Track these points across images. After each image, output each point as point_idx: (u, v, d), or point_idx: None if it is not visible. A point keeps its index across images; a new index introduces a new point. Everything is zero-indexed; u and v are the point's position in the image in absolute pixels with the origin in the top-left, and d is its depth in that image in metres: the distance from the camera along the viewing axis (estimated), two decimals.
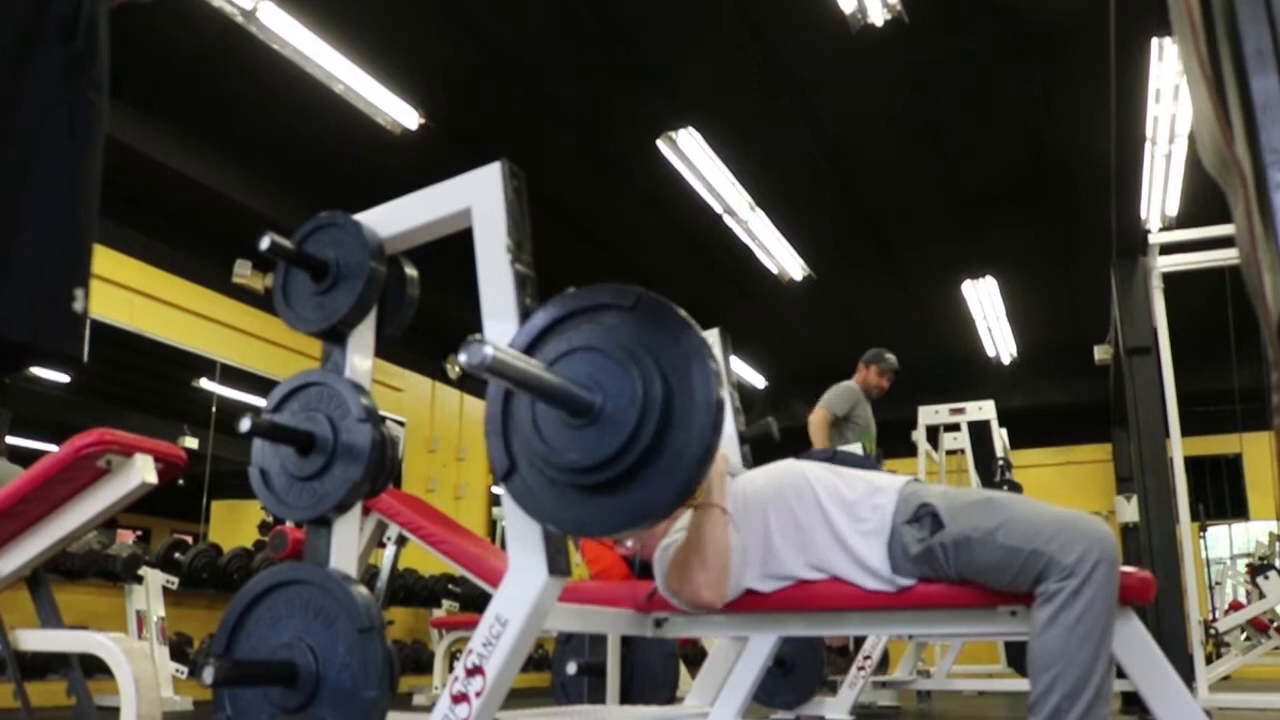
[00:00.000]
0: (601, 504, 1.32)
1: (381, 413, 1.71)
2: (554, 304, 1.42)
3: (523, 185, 1.67)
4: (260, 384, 6.58)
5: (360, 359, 1.77)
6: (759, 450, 2.80)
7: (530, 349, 1.41)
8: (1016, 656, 5.62)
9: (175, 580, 5.22)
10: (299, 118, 5.62)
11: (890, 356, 5.68)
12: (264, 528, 6.07)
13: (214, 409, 6.66)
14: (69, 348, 1.03)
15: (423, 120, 5.52)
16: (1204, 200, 6.20)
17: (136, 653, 2.27)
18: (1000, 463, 6.64)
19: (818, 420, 5.31)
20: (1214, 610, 8.12)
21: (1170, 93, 5.36)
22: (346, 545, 1.67)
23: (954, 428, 7.29)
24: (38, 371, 5.74)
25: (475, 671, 1.48)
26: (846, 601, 1.86)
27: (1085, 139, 5.95)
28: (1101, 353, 8.01)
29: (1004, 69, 5.51)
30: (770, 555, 1.92)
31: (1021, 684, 4.62)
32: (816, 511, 1.90)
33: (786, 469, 2.07)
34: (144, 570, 4.91)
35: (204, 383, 6.72)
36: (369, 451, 1.62)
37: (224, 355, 6.54)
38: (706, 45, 5.31)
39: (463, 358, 1.16)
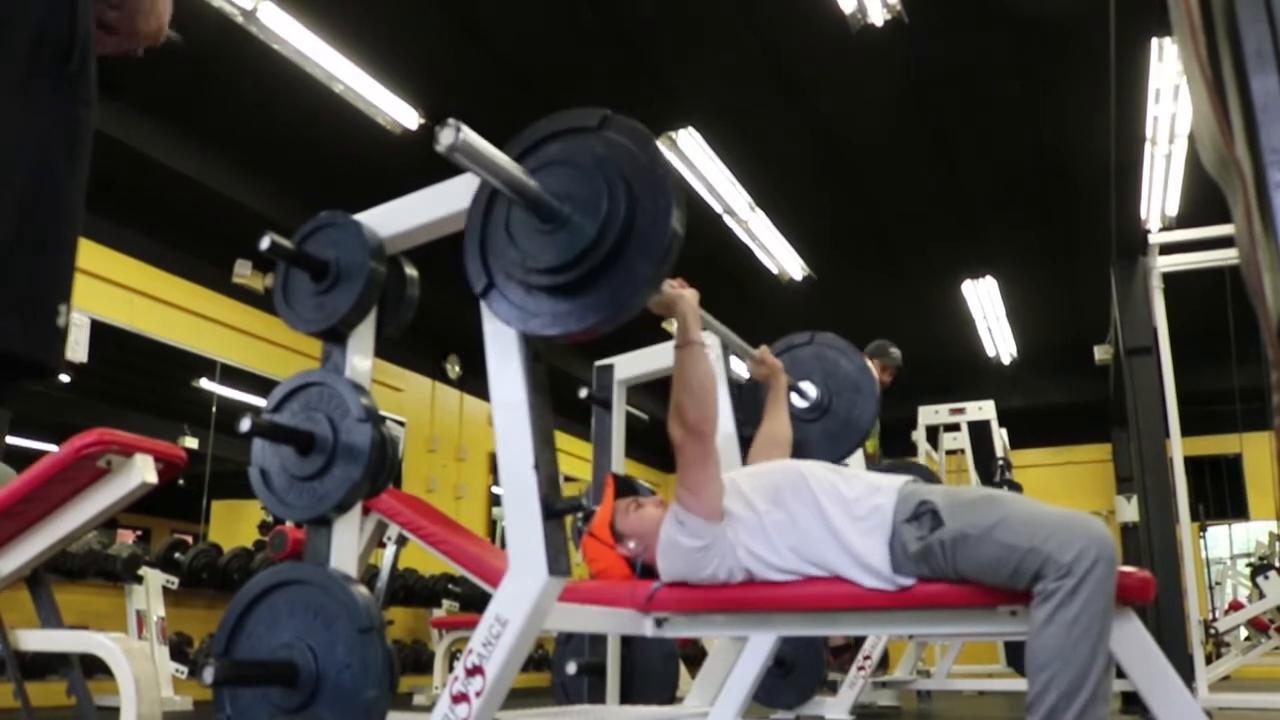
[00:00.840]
0: (573, 302, 1.41)
1: (381, 413, 1.71)
2: (526, 132, 1.52)
3: None
4: (260, 384, 6.58)
5: (360, 359, 1.77)
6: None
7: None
8: (1016, 656, 5.62)
9: (175, 580, 5.22)
10: (299, 118, 5.62)
11: (895, 351, 5.60)
12: (264, 528, 6.07)
13: (214, 409, 6.66)
14: (52, 359, 1.05)
15: (423, 120, 5.52)
16: (1204, 200, 6.20)
17: (136, 653, 2.27)
18: (1000, 463, 6.65)
19: None
20: (1214, 610, 8.11)
21: (1170, 93, 5.36)
22: (346, 545, 1.67)
23: (954, 428, 7.30)
24: None
25: (475, 671, 1.48)
26: (846, 601, 1.86)
27: (1085, 139, 5.95)
28: (1101, 353, 8.01)
29: (1004, 69, 5.50)
30: (770, 550, 1.92)
31: (1021, 684, 4.62)
32: (814, 510, 1.90)
33: (784, 467, 2.07)
34: (144, 570, 4.91)
35: (204, 383, 6.72)
36: (369, 451, 1.62)
37: (224, 355, 6.54)
38: (706, 45, 5.31)
39: (440, 137, 1.24)
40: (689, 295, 2.04)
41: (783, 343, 3.08)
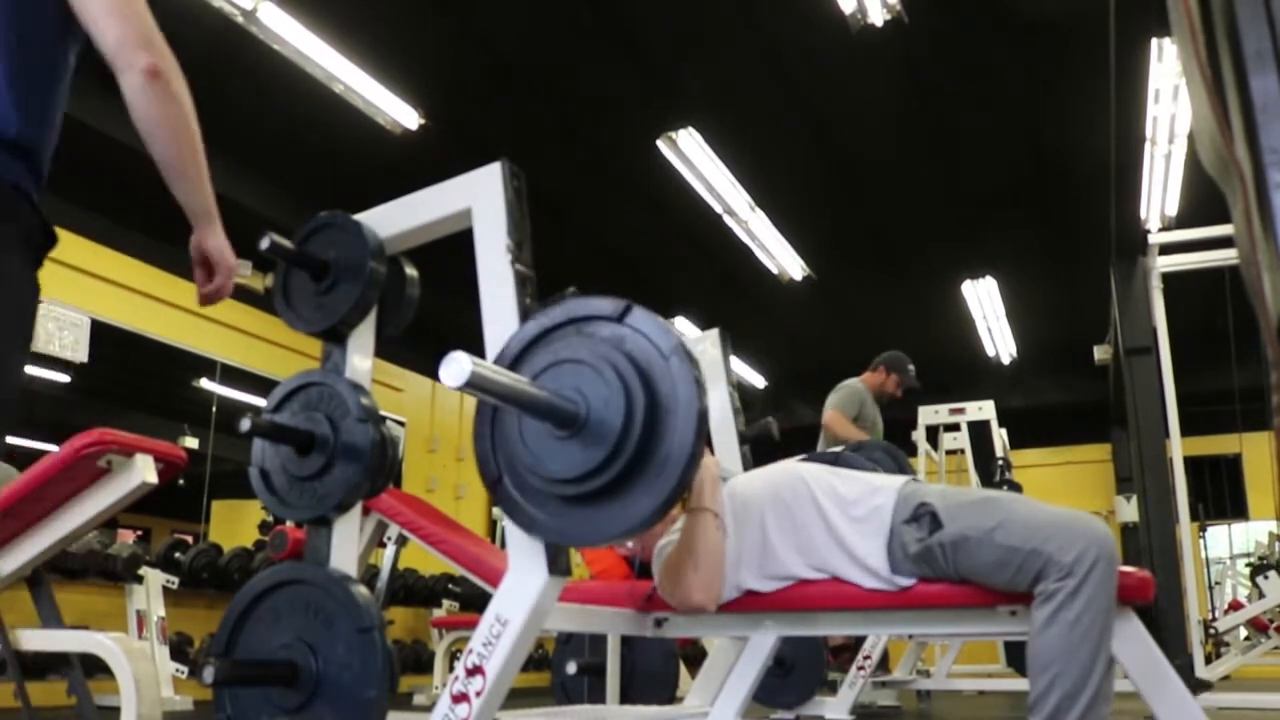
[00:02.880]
0: (588, 514, 1.32)
1: (381, 413, 1.71)
2: (542, 315, 1.42)
3: (523, 185, 1.67)
4: (260, 384, 6.58)
5: (360, 359, 1.77)
6: (759, 450, 2.80)
7: (519, 360, 1.41)
8: (1016, 656, 5.61)
9: (175, 580, 5.22)
10: (299, 118, 5.62)
11: (913, 369, 5.36)
12: (264, 528, 6.07)
13: (214, 409, 6.66)
14: None
15: (423, 120, 5.52)
16: (1204, 200, 6.20)
17: (137, 652, 2.27)
18: (1000, 463, 6.64)
19: (837, 420, 5.07)
20: (1214, 610, 8.11)
21: (1170, 93, 5.36)
22: (346, 545, 1.67)
23: (954, 428, 7.29)
24: (37, 371, 5.73)
25: (475, 671, 1.48)
26: (846, 601, 1.86)
27: (1085, 139, 5.95)
28: (1101, 353, 8.01)
29: (1004, 69, 5.51)
30: (769, 556, 1.92)
31: (1021, 684, 4.62)
32: (814, 511, 1.90)
33: (783, 470, 2.07)
34: (144, 570, 4.90)
35: (204, 383, 6.72)
36: (369, 451, 1.62)
37: (224, 355, 6.54)
38: (706, 45, 5.31)
39: (443, 374, 1.16)
40: (708, 461, 1.94)
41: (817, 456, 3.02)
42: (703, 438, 1.27)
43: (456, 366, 1.16)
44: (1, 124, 1.34)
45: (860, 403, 5.24)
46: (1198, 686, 3.76)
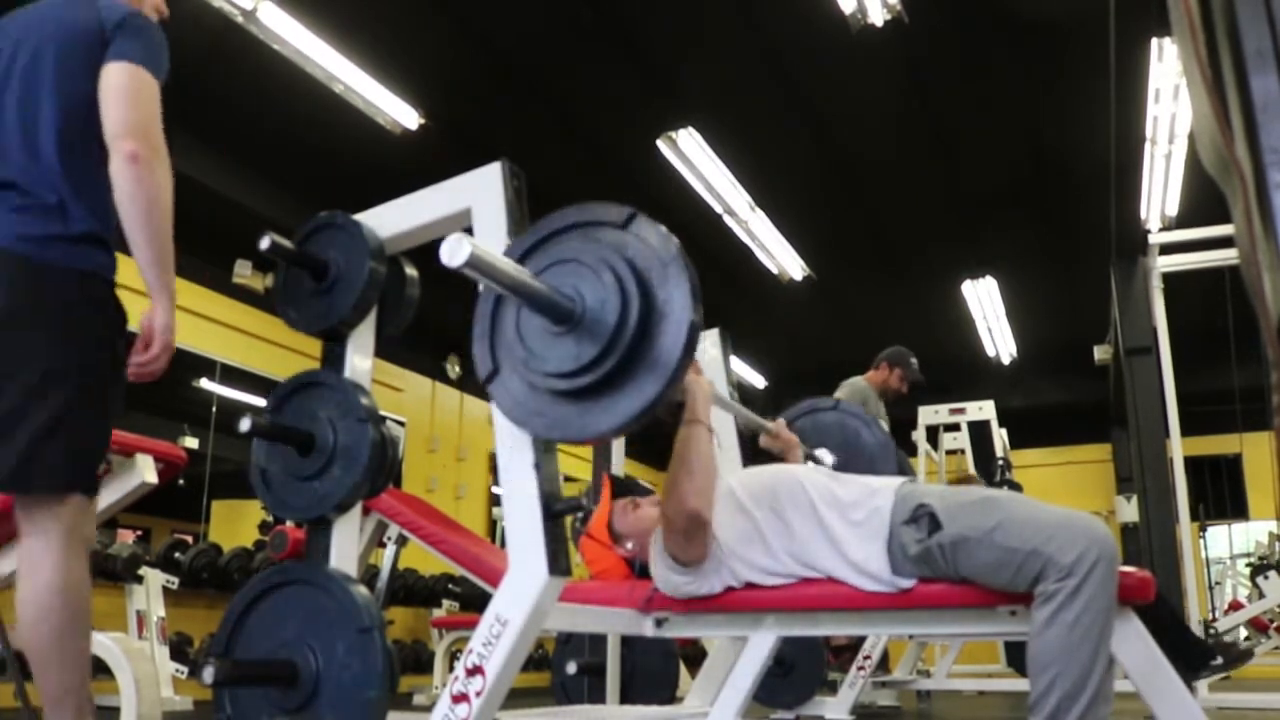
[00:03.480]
0: (579, 409, 1.36)
1: (381, 413, 1.71)
2: (547, 220, 1.45)
3: (523, 185, 1.67)
4: (260, 384, 6.58)
5: (360, 359, 1.77)
6: (758, 451, 2.80)
7: (522, 259, 1.43)
8: (1016, 656, 5.61)
9: (175, 580, 5.22)
10: (299, 118, 5.62)
11: (915, 362, 5.29)
12: (264, 528, 6.07)
13: (214, 409, 6.66)
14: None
15: (423, 120, 5.52)
16: (1204, 200, 6.20)
17: (137, 653, 2.28)
18: (1000, 463, 6.64)
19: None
20: (1214, 610, 8.11)
21: (1170, 93, 5.36)
22: (346, 545, 1.67)
23: (954, 428, 7.30)
24: None
25: (475, 671, 1.48)
26: (846, 601, 1.86)
27: (1085, 139, 5.95)
28: (1101, 353, 8.01)
29: (1004, 69, 5.50)
30: (768, 556, 1.92)
31: (1021, 684, 4.62)
32: (811, 515, 1.90)
33: (780, 471, 2.07)
34: (144, 570, 4.90)
35: (204, 383, 6.72)
36: (369, 451, 1.62)
37: (224, 355, 6.53)
38: (706, 45, 5.31)
39: (444, 253, 1.18)
40: (701, 380, 2.01)
41: (807, 404, 3.02)
42: (693, 346, 1.32)
43: (457, 245, 1.18)
44: (85, 225, 1.65)
45: (864, 400, 5.19)
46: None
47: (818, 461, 2.76)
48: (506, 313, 1.43)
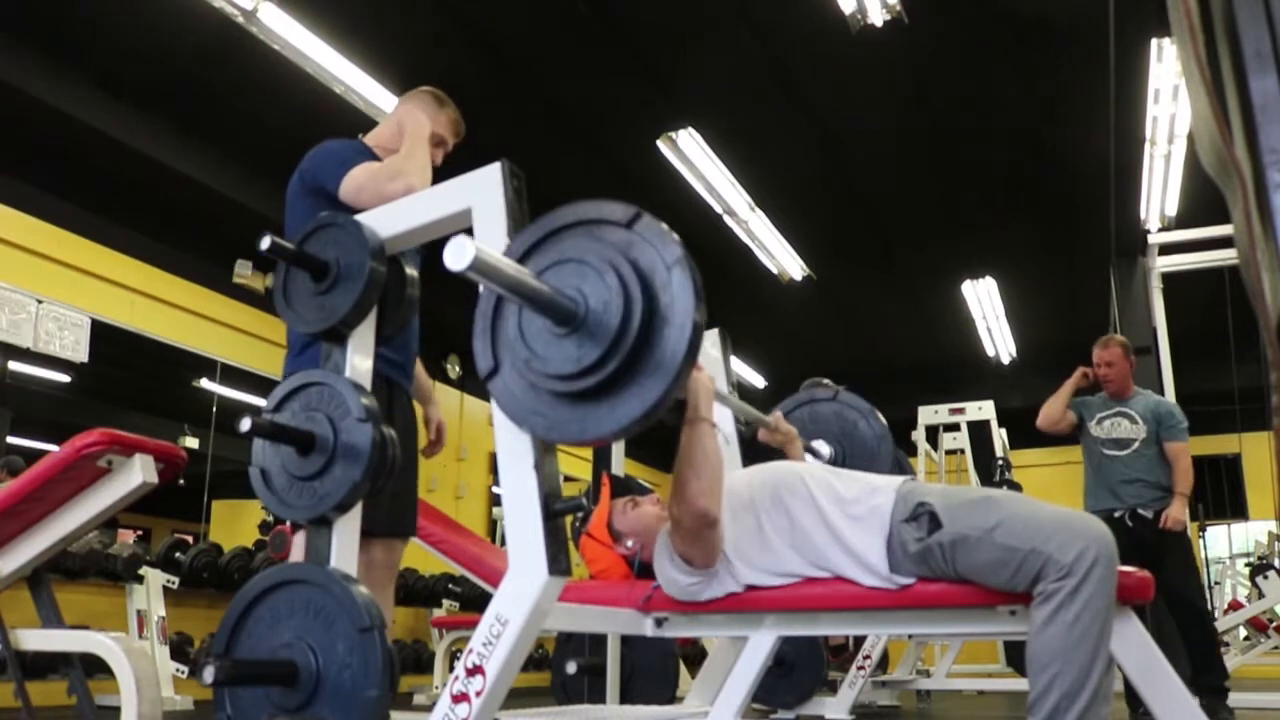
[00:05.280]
0: (579, 411, 1.35)
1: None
2: (551, 215, 1.44)
3: (523, 185, 1.67)
4: (260, 384, 6.59)
5: (360, 359, 1.77)
6: (759, 451, 2.80)
7: (525, 256, 1.42)
8: (1016, 656, 5.62)
9: (176, 580, 5.22)
10: (299, 118, 5.61)
11: (825, 381, 5.38)
12: (264, 528, 6.07)
13: (214, 409, 6.66)
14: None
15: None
16: (1204, 200, 6.21)
17: (137, 652, 2.28)
18: (1000, 463, 6.64)
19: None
20: (1214, 610, 8.12)
21: (1170, 93, 5.36)
22: (346, 545, 1.67)
23: (954, 428, 7.29)
24: (37, 371, 5.74)
25: (475, 671, 1.48)
26: (846, 601, 1.86)
27: (1085, 139, 5.95)
28: None
29: (1004, 69, 5.51)
30: (768, 553, 1.92)
31: (1021, 684, 4.62)
32: (812, 510, 1.90)
33: (782, 468, 2.07)
34: (145, 570, 4.91)
35: (204, 383, 6.73)
36: (369, 451, 1.62)
37: (224, 355, 6.53)
38: (706, 45, 5.31)
39: (448, 257, 1.17)
40: (703, 376, 1.99)
41: (805, 394, 3.00)
42: (696, 349, 1.31)
43: (461, 249, 1.17)
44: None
45: None
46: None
47: (815, 453, 2.75)
48: (508, 311, 1.42)
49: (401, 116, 2.39)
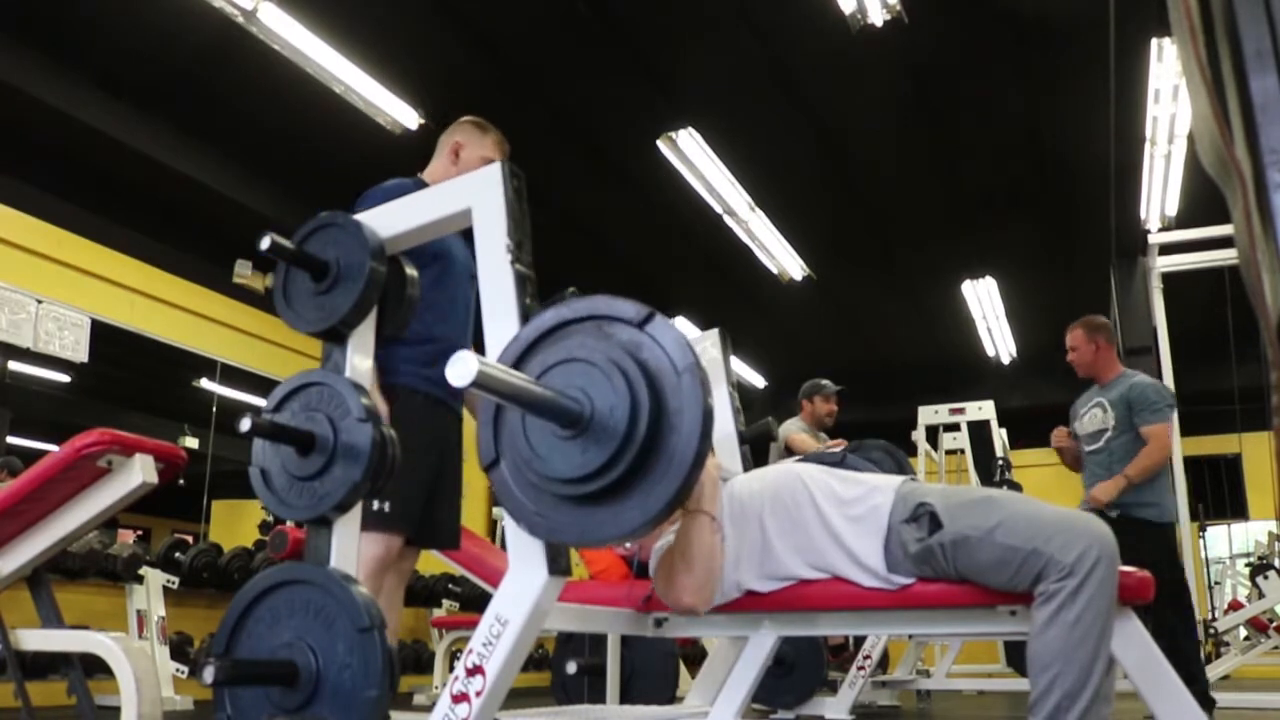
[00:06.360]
0: (581, 515, 1.32)
1: None
2: (563, 307, 1.40)
3: (523, 185, 1.67)
4: (260, 384, 6.59)
5: (360, 359, 1.77)
6: (758, 450, 2.80)
7: (533, 348, 1.40)
8: (1016, 656, 5.62)
9: (176, 580, 5.22)
10: (299, 118, 5.62)
11: (825, 381, 5.33)
12: (264, 528, 6.07)
13: (214, 409, 6.67)
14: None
15: (423, 120, 5.52)
16: (1204, 200, 6.20)
17: (137, 652, 2.28)
18: (1000, 463, 6.64)
19: (797, 439, 5.02)
20: (1214, 610, 8.11)
21: (1170, 93, 5.36)
22: (346, 545, 1.67)
23: (954, 428, 7.29)
24: (37, 371, 5.74)
25: (475, 671, 1.48)
26: (846, 601, 1.86)
27: (1085, 139, 5.95)
28: None
29: (1004, 69, 5.51)
30: (769, 557, 1.92)
31: (1021, 684, 4.62)
32: (812, 511, 1.90)
33: (782, 471, 2.07)
34: (144, 570, 4.90)
35: (204, 383, 6.73)
36: (369, 451, 1.62)
37: (224, 355, 6.53)
38: (706, 45, 5.31)
39: (449, 373, 1.17)
40: (709, 463, 1.90)
41: (813, 455, 2.99)
42: (703, 458, 1.26)
43: (463, 366, 1.16)
44: None
45: (803, 429, 5.21)
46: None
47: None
48: (513, 409, 1.37)
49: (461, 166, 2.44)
